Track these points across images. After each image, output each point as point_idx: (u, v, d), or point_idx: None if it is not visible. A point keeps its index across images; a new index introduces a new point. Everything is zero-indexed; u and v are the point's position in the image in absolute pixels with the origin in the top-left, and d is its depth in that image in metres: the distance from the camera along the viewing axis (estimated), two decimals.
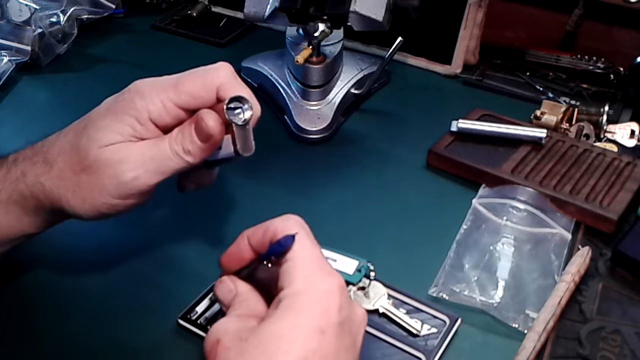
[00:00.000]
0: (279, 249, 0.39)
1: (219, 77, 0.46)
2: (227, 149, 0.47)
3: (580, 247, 0.59)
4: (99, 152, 0.45)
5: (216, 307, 0.53)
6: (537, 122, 0.75)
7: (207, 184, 0.52)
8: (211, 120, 0.44)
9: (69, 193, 0.46)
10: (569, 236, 0.60)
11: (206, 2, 1.03)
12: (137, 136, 0.46)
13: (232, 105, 0.45)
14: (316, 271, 0.38)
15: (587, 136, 0.74)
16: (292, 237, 0.39)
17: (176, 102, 0.46)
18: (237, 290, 0.43)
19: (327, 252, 0.57)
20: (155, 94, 0.46)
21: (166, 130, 0.47)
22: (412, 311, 0.53)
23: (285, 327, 0.36)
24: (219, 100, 0.46)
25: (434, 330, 0.52)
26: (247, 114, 0.46)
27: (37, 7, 0.87)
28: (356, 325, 0.39)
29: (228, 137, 0.46)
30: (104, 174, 0.45)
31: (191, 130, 0.45)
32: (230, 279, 0.44)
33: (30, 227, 0.49)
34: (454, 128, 0.73)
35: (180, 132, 0.46)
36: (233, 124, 0.45)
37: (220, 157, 0.48)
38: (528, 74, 0.88)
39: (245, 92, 0.46)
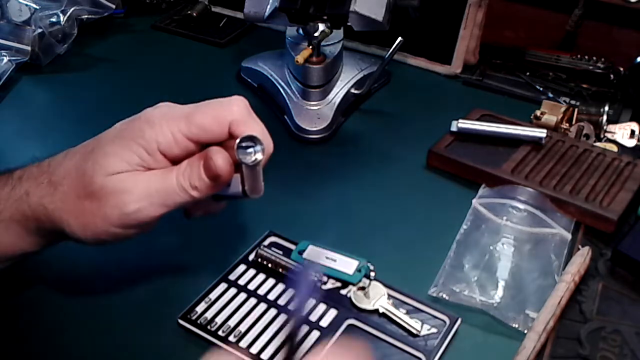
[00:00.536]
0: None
1: (233, 113, 0.45)
2: (236, 187, 0.45)
3: (580, 247, 0.59)
4: (105, 180, 0.44)
5: (217, 307, 0.53)
6: (537, 122, 0.75)
7: (214, 212, 0.52)
8: (220, 159, 0.43)
9: (71, 218, 0.45)
10: (569, 236, 0.60)
11: (206, 2, 1.03)
12: (144, 166, 0.45)
13: (243, 144, 0.43)
14: None
15: (587, 136, 0.74)
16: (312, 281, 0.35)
17: (187, 134, 0.44)
18: None
19: (327, 252, 0.57)
20: (166, 125, 0.44)
21: (175, 161, 0.45)
22: (412, 311, 0.53)
23: None
24: (231, 135, 0.44)
25: (434, 330, 0.52)
26: (259, 155, 0.44)
27: (37, 7, 0.87)
28: None
29: (237, 175, 0.45)
30: (108, 202, 0.44)
31: (200, 165, 0.44)
32: None
33: (31, 246, 0.48)
34: (454, 128, 0.73)
35: (189, 167, 0.44)
36: (243, 164, 0.43)
37: (228, 193, 0.47)
38: (528, 74, 0.88)
39: (259, 129, 0.45)
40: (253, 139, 0.43)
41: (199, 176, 0.44)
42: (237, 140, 0.42)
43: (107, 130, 0.47)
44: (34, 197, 0.46)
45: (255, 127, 0.45)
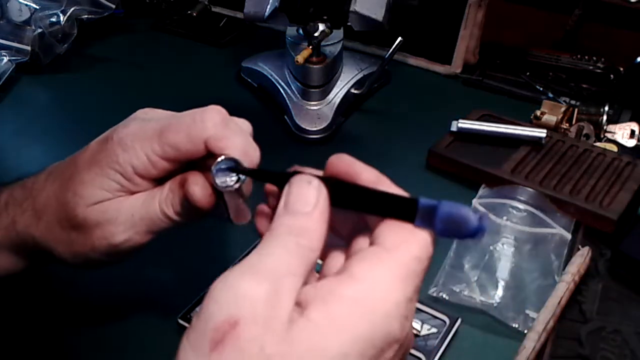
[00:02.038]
0: (451, 229, 0.29)
1: (207, 129, 0.39)
2: (222, 210, 0.41)
3: (580, 247, 0.59)
4: (87, 212, 0.41)
5: None
6: (537, 122, 0.75)
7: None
8: (197, 189, 0.39)
9: (60, 247, 0.43)
10: (569, 236, 0.60)
11: (206, 2, 1.03)
12: (124, 191, 0.42)
13: (222, 166, 0.38)
14: (402, 302, 0.29)
15: (587, 136, 0.74)
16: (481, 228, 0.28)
17: (161, 155, 0.40)
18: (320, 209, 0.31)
19: None
20: (139, 146, 0.40)
21: (158, 179, 0.42)
22: None
23: (316, 350, 0.27)
24: (210, 152, 0.39)
25: (434, 330, 0.52)
26: (239, 179, 0.38)
27: (37, 7, 0.87)
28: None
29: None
30: (94, 234, 0.42)
31: (179, 193, 0.41)
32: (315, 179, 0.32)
33: (18, 266, 0.47)
34: (454, 128, 0.72)
35: (170, 193, 0.41)
36: (225, 194, 0.38)
37: (215, 215, 0.42)
38: (528, 74, 0.88)
39: (239, 143, 0.39)
40: (233, 161, 0.38)
41: (182, 203, 0.41)
42: (213, 166, 0.37)
43: (81, 149, 0.44)
44: (21, 225, 0.44)
45: (235, 141, 0.39)
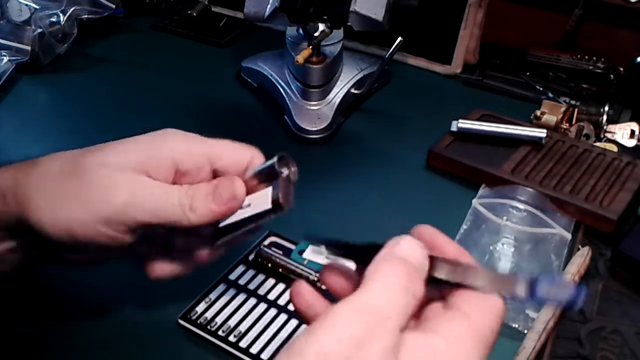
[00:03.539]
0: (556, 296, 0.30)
1: (252, 159, 0.44)
2: (237, 216, 0.43)
3: (580, 247, 0.59)
4: (99, 168, 0.40)
5: (217, 307, 0.53)
6: (537, 122, 0.75)
7: (201, 262, 0.46)
8: (239, 183, 0.42)
9: (44, 199, 0.39)
10: (569, 236, 0.60)
11: (206, 2, 1.03)
12: (145, 170, 0.41)
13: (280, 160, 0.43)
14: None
15: (587, 136, 0.74)
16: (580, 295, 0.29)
17: (205, 152, 0.43)
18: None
19: (327, 252, 0.57)
20: (188, 140, 0.43)
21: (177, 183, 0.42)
22: None
23: None
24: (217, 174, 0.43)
25: None
26: (293, 170, 0.43)
27: (37, 7, 0.87)
28: None
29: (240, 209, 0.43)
30: (96, 187, 0.39)
31: (206, 189, 0.41)
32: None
33: None
34: (454, 128, 0.72)
35: (193, 188, 0.41)
36: (281, 177, 0.42)
37: (226, 223, 0.43)
38: (528, 74, 0.88)
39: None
40: (287, 161, 0.43)
41: (204, 198, 0.41)
42: (276, 157, 0.42)
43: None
44: (7, 173, 0.41)
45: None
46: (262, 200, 0.42)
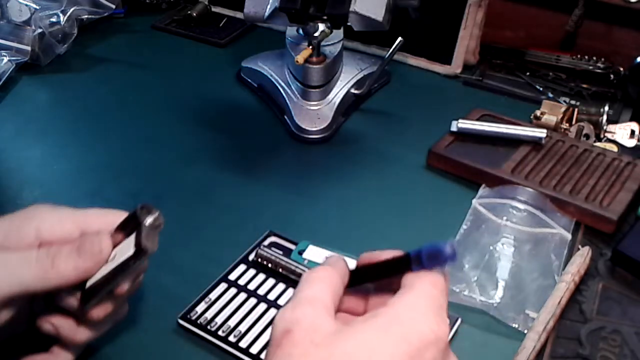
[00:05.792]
0: (435, 261, 0.35)
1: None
2: (103, 272, 0.42)
3: (580, 247, 0.59)
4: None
5: (217, 307, 0.53)
6: (537, 122, 0.75)
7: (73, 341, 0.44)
8: (106, 237, 0.42)
9: None
10: (569, 236, 0.60)
11: (206, 2, 1.03)
12: (6, 248, 0.40)
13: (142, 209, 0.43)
14: (429, 312, 0.34)
15: (587, 136, 0.74)
16: (452, 249, 0.35)
17: (75, 221, 0.43)
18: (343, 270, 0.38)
19: (326, 252, 0.57)
20: (55, 210, 0.43)
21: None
22: None
23: (359, 349, 0.32)
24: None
25: None
26: (155, 216, 0.43)
27: (37, 7, 0.87)
28: None
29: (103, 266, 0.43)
30: None
31: (72, 246, 0.41)
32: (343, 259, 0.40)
33: None
34: (454, 128, 0.73)
35: (56, 248, 0.41)
36: (143, 224, 0.42)
37: (93, 283, 0.42)
38: (528, 74, 0.88)
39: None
40: (150, 209, 0.43)
41: (67, 255, 0.40)
42: (139, 206, 0.42)
43: None
44: None
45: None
46: (125, 248, 0.42)
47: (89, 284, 0.42)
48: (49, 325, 0.44)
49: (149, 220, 0.42)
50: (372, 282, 0.39)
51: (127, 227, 0.43)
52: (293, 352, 0.32)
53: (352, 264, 0.41)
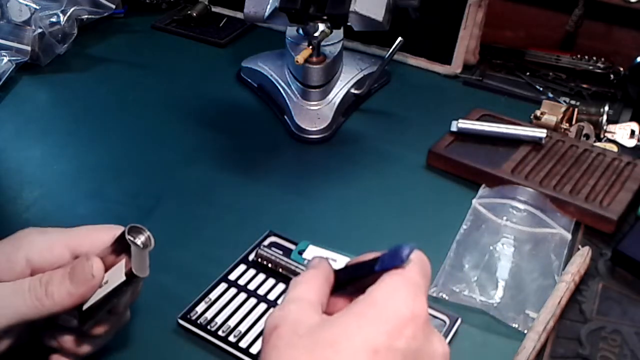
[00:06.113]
0: (393, 261, 0.36)
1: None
2: (97, 295, 0.42)
3: (580, 247, 0.59)
4: None
5: (217, 307, 0.53)
6: (537, 122, 0.75)
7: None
8: (97, 261, 0.41)
9: None
10: (569, 236, 0.60)
11: (206, 2, 1.03)
12: None
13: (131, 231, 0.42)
14: (402, 292, 0.35)
15: (587, 136, 0.74)
16: (409, 251, 0.36)
17: (66, 243, 0.43)
18: (327, 271, 0.39)
19: (326, 252, 0.57)
20: (46, 235, 0.43)
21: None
22: None
23: (339, 335, 0.33)
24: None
25: None
26: (145, 237, 0.43)
27: (37, 7, 0.87)
28: None
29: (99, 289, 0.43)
30: None
31: (63, 272, 0.41)
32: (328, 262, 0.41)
33: None
34: (454, 128, 0.73)
35: (48, 274, 0.41)
36: (132, 247, 0.41)
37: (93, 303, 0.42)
38: (528, 74, 0.88)
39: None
40: (139, 229, 0.42)
41: (60, 282, 0.40)
42: (127, 228, 0.42)
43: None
44: None
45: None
46: (117, 273, 0.42)
47: (85, 306, 0.42)
48: (53, 342, 0.45)
49: (138, 241, 0.42)
50: (355, 280, 0.40)
51: (118, 249, 0.42)
52: (278, 343, 0.34)
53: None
